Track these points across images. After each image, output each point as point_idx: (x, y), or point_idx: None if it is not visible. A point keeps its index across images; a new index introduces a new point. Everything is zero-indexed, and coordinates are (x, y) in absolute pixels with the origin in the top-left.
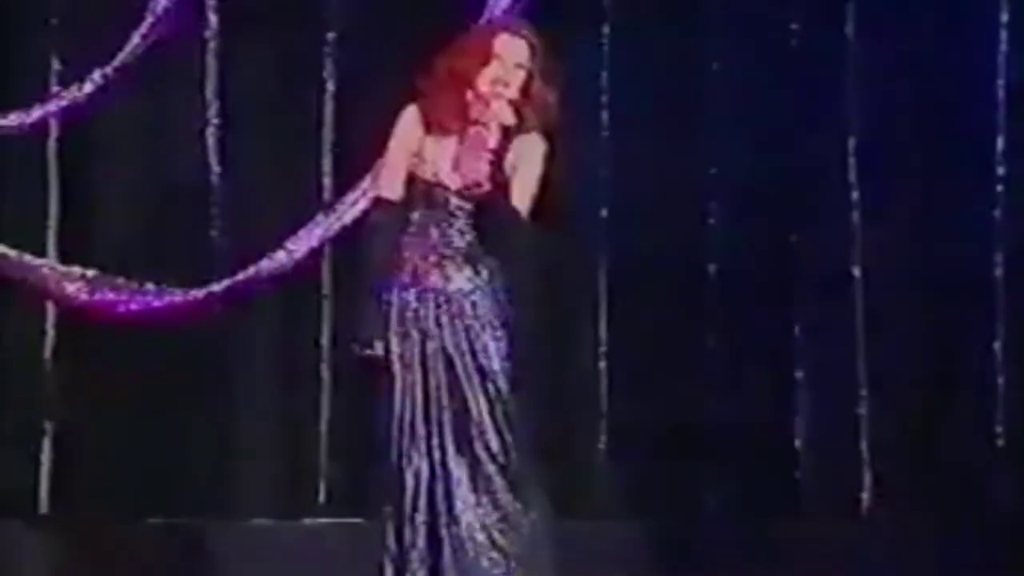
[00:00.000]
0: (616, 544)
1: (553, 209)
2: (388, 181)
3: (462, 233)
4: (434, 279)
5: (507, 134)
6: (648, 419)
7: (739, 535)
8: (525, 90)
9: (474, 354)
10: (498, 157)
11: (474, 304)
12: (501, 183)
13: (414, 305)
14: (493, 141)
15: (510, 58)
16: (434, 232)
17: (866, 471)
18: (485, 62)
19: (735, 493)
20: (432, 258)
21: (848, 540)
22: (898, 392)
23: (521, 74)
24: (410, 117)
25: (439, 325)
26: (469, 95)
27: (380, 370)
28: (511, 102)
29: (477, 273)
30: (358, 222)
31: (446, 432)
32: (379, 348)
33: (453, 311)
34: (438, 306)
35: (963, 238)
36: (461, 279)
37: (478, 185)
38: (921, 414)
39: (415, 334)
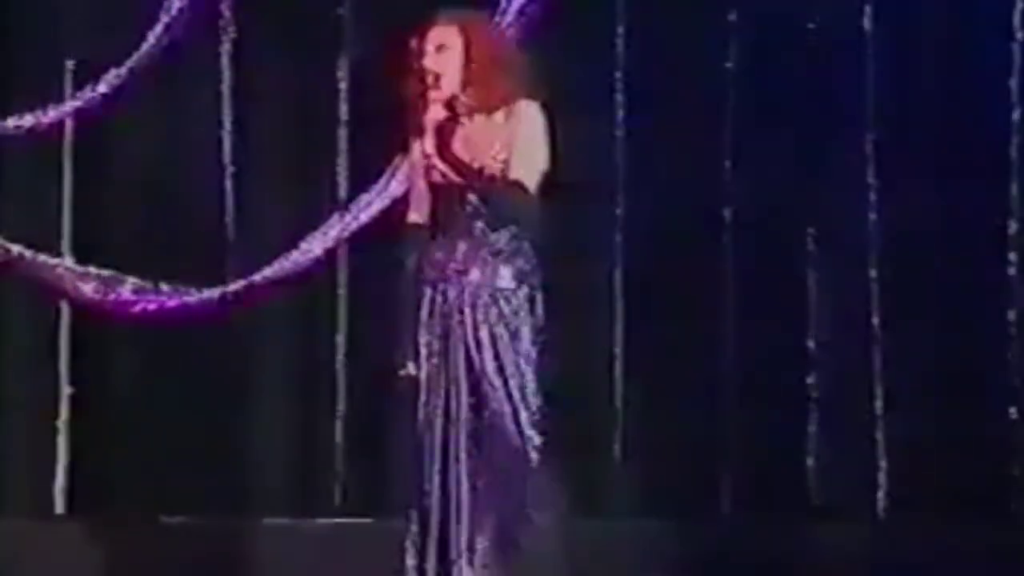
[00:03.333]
0: (630, 544)
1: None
2: (416, 209)
3: (495, 227)
4: (475, 275)
5: (451, 117)
6: (663, 419)
7: (753, 536)
8: (467, 59)
9: (498, 354)
10: (444, 143)
11: (510, 301)
12: (469, 164)
13: (442, 300)
14: (428, 145)
15: (432, 47)
16: (471, 229)
17: (881, 472)
18: (421, 71)
19: (750, 493)
20: (472, 254)
21: (863, 541)
22: (913, 392)
23: (451, 53)
24: (414, 150)
25: (462, 320)
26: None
27: (410, 382)
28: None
29: (519, 270)
30: (373, 222)
31: (462, 433)
32: (411, 368)
33: (486, 306)
34: (471, 302)
35: (981, 240)
36: (502, 275)
37: (458, 174)
38: (937, 414)
39: (442, 329)
